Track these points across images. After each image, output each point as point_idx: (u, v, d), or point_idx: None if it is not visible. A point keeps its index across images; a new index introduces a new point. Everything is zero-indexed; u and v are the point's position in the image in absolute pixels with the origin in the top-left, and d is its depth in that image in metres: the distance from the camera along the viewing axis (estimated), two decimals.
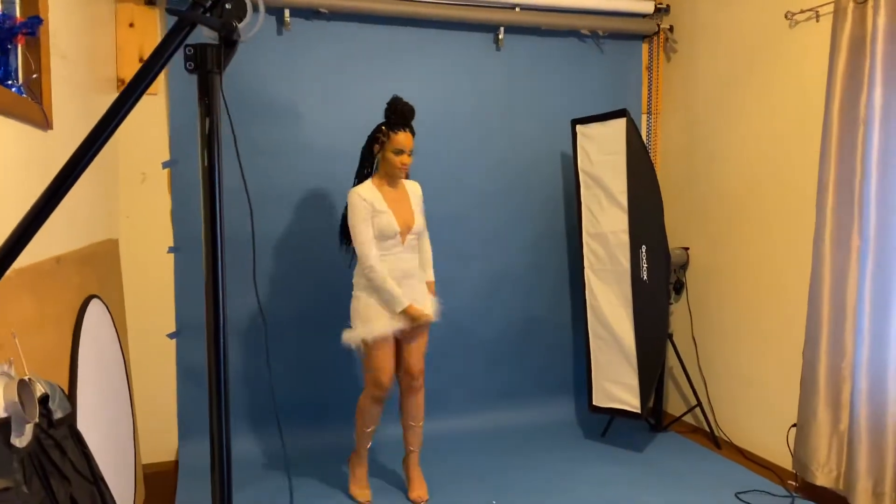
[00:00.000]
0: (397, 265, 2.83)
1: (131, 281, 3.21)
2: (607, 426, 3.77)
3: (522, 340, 3.96)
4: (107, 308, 2.53)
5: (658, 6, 3.94)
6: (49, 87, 1.95)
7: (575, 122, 3.66)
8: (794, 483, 3.09)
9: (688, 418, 3.91)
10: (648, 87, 4.10)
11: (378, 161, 2.89)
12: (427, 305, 2.90)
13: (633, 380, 3.43)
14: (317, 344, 3.55)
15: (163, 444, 3.33)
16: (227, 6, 0.99)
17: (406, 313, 2.78)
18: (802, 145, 3.12)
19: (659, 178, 3.89)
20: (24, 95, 1.80)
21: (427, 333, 2.95)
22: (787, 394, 3.16)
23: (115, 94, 3.16)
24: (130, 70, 3.19)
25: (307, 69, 3.49)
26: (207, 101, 0.94)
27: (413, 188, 2.97)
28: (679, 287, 3.94)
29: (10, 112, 1.67)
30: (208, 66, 0.96)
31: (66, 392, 1.95)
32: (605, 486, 3.10)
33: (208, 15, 0.97)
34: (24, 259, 1.75)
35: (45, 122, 1.92)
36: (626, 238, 3.42)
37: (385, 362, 2.83)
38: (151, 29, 3.22)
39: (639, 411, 3.42)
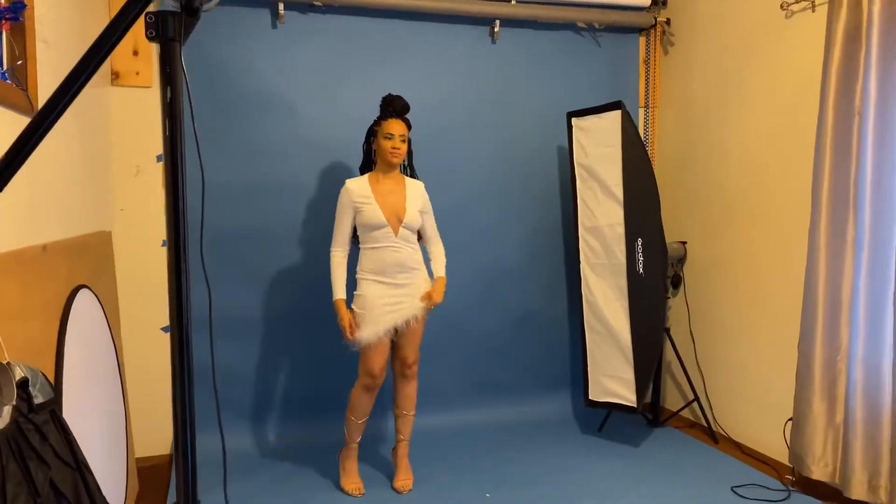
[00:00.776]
0: (390, 256, 2.83)
1: (125, 274, 3.21)
2: (604, 421, 3.74)
3: (518, 335, 3.94)
4: (98, 299, 2.53)
5: None
6: (35, 74, 1.95)
7: (570, 114, 3.64)
8: (790, 477, 3.06)
9: (685, 413, 3.89)
10: (646, 80, 4.08)
11: (375, 154, 2.92)
12: (418, 298, 2.89)
13: (629, 374, 3.41)
14: (316, 339, 3.55)
15: (157, 437, 3.32)
16: None
17: (335, 304, 2.85)
18: (799, 137, 3.09)
19: (656, 172, 3.88)
20: (9, 81, 1.80)
21: (423, 325, 2.95)
22: (784, 387, 3.14)
23: (108, 87, 3.17)
24: (124, 62, 3.19)
25: (302, 63, 3.49)
26: (168, 70, 0.93)
27: (414, 185, 2.96)
28: (677, 281, 3.92)
29: None
30: (169, 34, 0.95)
31: (52, 380, 1.95)
32: (602, 480, 3.08)
33: None
34: (7, 243, 1.75)
35: (30, 109, 1.92)
36: (621, 231, 3.40)
37: (377, 354, 2.84)
38: None
39: (634, 405, 3.40)
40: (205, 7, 0.96)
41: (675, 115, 3.98)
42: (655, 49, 4.06)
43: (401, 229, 2.85)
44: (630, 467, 3.23)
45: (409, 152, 3.02)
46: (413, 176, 3.04)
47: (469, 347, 3.86)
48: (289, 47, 3.46)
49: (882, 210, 2.64)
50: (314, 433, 3.52)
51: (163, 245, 3.31)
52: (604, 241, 3.50)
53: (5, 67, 1.82)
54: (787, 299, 3.17)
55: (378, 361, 2.84)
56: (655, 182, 3.46)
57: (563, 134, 3.80)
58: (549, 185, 3.94)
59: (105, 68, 3.09)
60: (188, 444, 1.13)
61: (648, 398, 3.90)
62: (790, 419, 3.04)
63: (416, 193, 2.94)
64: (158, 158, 3.28)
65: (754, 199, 3.37)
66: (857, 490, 2.69)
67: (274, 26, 3.44)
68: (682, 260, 3.89)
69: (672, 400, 4.02)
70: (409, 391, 3.00)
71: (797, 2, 3.07)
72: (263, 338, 3.53)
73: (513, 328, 3.93)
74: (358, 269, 2.90)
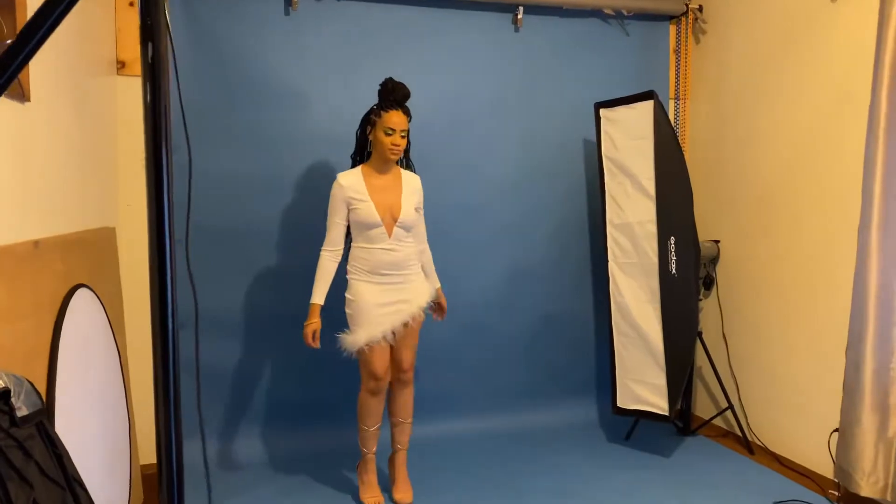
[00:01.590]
0: (384, 258, 2.67)
1: (130, 272, 3.06)
2: (632, 429, 3.56)
3: (542, 338, 3.75)
4: (98, 298, 2.38)
5: None
6: None
7: (598, 105, 3.45)
8: (835, 493, 2.86)
9: (718, 421, 3.69)
10: (676, 70, 3.88)
11: (371, 145, 2.73)
12: (420, 300, 2.74)
13: (661, 380, 3.22)
14: (326, 341, 3.39)
15: None
16: None
17: (310, 307, 2.69)
18: (844, 128, 2.89)
19: (687, 167, 3.68)
20: None
21: (417, 330, 2.80)
22: (827, 396, 2.94)
23: (114, 76, 3.02)
24: (130, 50, 3.05)
25: (315, 51, 3.33)
26: (149, 23, 0.77)
27: (410, 180, 2.78)
28: (709, 282, 3.72)
29: None
30: None
31: (44, 387, 1.80)
32: (630, 493, 2.90)
33: None
34: None
35: (21, 94, 1.77)
36: (653, 229, 3.21)
37: (378, 355, 2.69)
38: None
39: (666, 413, 3.21)
40: None
41: (708, 107, 3.78)
42: (687, 37, 3.86)
43: (395, 228, 2.68)
44: (660, 479, 3.04)
45: (408, 143, 2.82)
46: (409, 168, 2.86)
47: (489, 350, 3.68)
48: (302, 35, 3.30)
49: None
50: (332, 441, 3.36)
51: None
52: (634, 239, 3.31)
53: None
54: (831, 302, 2.96)
55: (380, 362, 2.70)
56: (688, 176, 3.27)
57: (589, 126, 3.61)
58: (575, 180, 3.75)
59: (110, 57, 2.95)
60: (173, 453, 0.97)
61: (679, 405, 3.70)
62: (835, 430, 2.84)
63: (411, 189, 2.76)
64: None
65: (794, 195, 3.17)
66: None
67: (287, 13, 3.28)
68: (714, 260, 3.69)
69: (703, 407, 3.82)
70: (406, 397, 2.84)
71: None
72: (273, 339, 3.37)
73: (536, 331, 3.74)
74: (349, 267, 2.73)
